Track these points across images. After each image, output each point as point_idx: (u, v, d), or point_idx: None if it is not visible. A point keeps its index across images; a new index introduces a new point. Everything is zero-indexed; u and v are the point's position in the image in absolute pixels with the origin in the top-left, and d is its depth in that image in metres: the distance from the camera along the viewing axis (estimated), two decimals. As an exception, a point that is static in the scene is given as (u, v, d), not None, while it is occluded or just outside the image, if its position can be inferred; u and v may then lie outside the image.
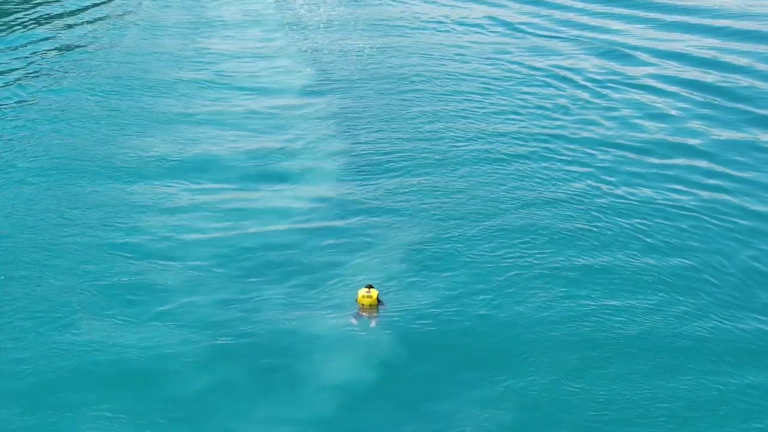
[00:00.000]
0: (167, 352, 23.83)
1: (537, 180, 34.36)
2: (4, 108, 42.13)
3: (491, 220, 30.96)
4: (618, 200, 32.52)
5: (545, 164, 35.83)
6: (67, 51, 52.25)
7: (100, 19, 60.52)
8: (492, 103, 43.16)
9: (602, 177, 34.58)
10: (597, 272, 27.64)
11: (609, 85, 45.78)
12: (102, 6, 64.24)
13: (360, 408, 21.99)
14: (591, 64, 49.52)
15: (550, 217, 31.21)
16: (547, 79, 46.79)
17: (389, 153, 36.99)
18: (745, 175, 34.82)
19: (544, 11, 62.17)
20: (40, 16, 59.76)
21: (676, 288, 26.83)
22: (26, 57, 50.36)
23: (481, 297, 26.25)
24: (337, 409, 21.87)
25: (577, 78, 46.84)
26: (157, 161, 36.03)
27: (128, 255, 28.56)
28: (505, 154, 36.77)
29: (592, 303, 26.05)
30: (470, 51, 52.61)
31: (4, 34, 55.06)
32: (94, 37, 55.90)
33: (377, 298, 25.40)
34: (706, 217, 31.15)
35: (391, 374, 23.11)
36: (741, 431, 21.35)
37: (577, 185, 33.87)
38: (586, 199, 32.60)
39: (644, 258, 28.44)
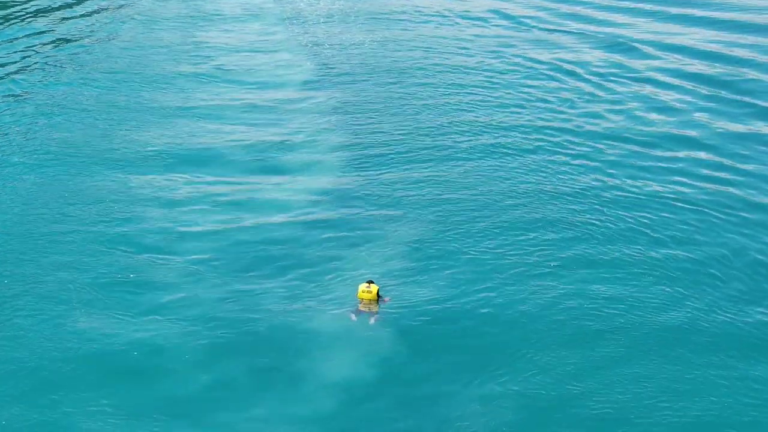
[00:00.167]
0: (166, 347, 23.65)
1: (540, 174, 34.03)
2: (1, 102, 41.80)
3: (494, 215, 30.66)
4: (622, 194, 32.22)
5: (549, 158, 35.50)
6: (65, 44, 51.95)
7: (98, 12, 60.19)
8: (496, 97, 42.80)
9: (606, 170, 34.27)
10: (601, 267, 27.33)
11: (613, 78, 45.42)
12: (100, -1, 64.00)
13: (359, 405, 21.75)
14: (596, 57, 49.14)
15: (553, 211, 30.89)
16: (552, 73, 46.40)
17: (390, 147, 36.68)
18: (750, 168, 34.50)
19: (548, 4, 61.77)
20: (38, 10, 59.44)
21: (682, 282, 26.55)
22: (23, 50, 50.05)
23: (482, 293, 25.95)
24: (335, 406, 21.65)
25: (582, 71, 46.48)
26: (156, 155, 35.76)
27: (127, 249, 28.38)
28: (509, 148, 36.44)
29: (596, 299, 25.74)
30: (474, 44, 52.21)
31: (1, 27, 54.71)
32: (92, 30, 55.59)
33: (377, 293, 25.11)
34: (711, 211, 30.87)
35: (391, 371, 22.86)
36: (747, 425, 21.13)
37: (581, 179, 33.55)
38: (590, 193, 32.31)
39: (649, 252, 28.13)
